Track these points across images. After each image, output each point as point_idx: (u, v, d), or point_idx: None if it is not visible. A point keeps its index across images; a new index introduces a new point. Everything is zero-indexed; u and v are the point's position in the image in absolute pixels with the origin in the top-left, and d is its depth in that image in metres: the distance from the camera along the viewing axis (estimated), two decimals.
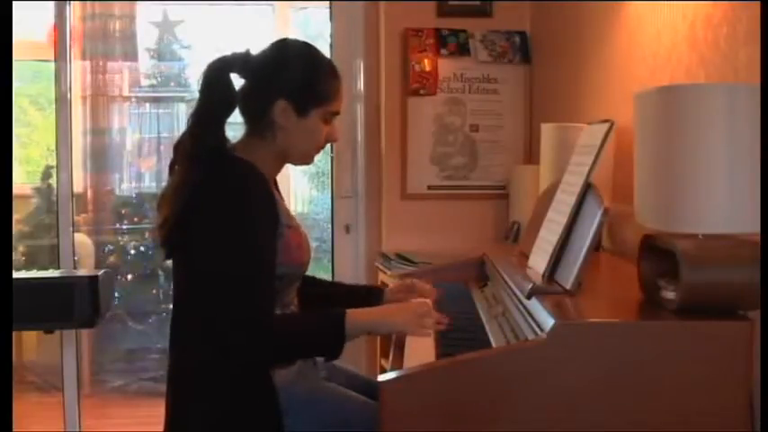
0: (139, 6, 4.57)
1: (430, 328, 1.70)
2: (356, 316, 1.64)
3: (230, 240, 1.58)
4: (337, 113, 1.76)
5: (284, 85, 1.69)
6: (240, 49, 1.72)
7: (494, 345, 1.62)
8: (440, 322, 1.72)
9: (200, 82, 1.68)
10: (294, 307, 1.79)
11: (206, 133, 1.66)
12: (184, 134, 1.69)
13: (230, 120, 1.72)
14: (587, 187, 1.60)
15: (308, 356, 1.74)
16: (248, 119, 1.74)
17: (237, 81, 1.73)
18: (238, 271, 1.56)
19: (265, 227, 1.61)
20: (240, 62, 1.70)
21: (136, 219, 4.56)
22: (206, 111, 1.67)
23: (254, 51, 1.73)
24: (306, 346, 1.66)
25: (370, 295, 2.00)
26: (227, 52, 1.71)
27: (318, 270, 3.95)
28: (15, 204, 2.87)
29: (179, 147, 1.69)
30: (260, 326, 1.56)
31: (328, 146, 1.86)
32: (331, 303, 1.85)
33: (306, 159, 1.79)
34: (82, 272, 2.98)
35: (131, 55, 4.61)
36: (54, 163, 3.45)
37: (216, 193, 1.62)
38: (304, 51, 1.76)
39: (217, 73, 1.68)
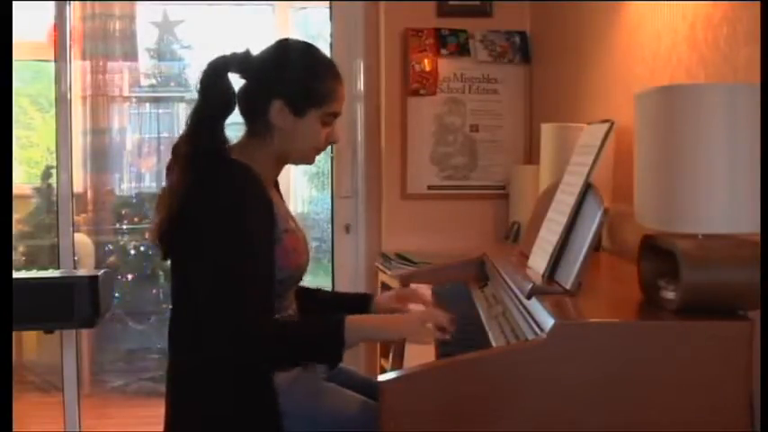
0: (139, 6, 4.57)
1: (430, 336, 1.64)
2: (356, 322, 1.61)
3: (223, 244, 1.57)
4: (337, 115, 1.74)
5: (281, 84, 1.68)
6: (240, 49, 1.70)
7: (494, 345, 1.62)
8: (443, 328, 1.66)
9: (199, 81, 1.67)
10: (292, 311, 1.78)
11: (203, 134, 1.64)
12: (182, 135, 1.67)
13: (231, 120, 1.71)
14: (587, 187, 1.60)
15: (306, 362, 1.70)
16: (247, 119, 1.73)
17: (239, 82, 1.72)
18: (230, 275, 1.55)
19: (260, 230, 1.60)
20: (239, 62, 1.69)
21: (136, 219, 4.56)
22: (204, 111, 1.66)
23: (255, 51, 1.72)
24: (304, 353, 1.62)
25: (357, 301, 1.95)
26: (227, 52, 1.70)
27: (318, 270, 3.96)
28: (15, 204, 2.87)
29: (177, 148, 1.68)
30: (246, 332, 1.54)
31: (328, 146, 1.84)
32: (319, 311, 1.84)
33: (305, 160, 1.78)
34: (82, 272, 2.97)
35: (131, 55, 4.61)
36: (54, 163, 3.45)
37: (210, 195, 1.61)
38: (304, 52, 1.75)
39: (215, 72, 1.67)
